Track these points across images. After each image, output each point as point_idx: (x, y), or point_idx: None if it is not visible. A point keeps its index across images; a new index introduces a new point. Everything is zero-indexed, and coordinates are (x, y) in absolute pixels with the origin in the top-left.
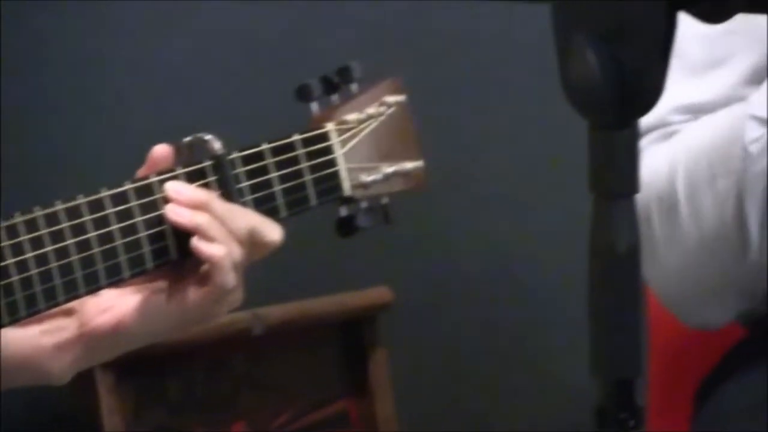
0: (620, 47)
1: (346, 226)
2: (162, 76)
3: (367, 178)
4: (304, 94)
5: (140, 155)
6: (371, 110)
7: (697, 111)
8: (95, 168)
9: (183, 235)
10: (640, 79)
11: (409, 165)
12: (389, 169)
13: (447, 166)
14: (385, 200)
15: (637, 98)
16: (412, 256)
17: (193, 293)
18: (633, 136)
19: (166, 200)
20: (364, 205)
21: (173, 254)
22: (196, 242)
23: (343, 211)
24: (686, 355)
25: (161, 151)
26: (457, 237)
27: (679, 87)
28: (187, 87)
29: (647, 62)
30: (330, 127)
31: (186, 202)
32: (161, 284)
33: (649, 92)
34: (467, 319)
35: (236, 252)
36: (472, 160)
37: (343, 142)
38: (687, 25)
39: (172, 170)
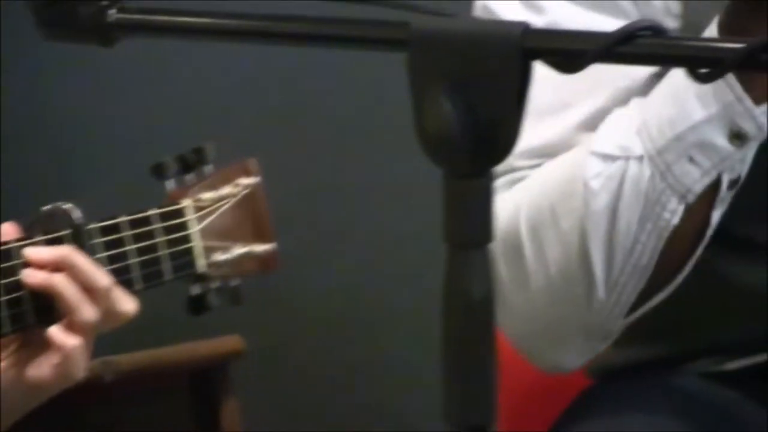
0: (475, 96)
1: (197, 305)
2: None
3: (220, 257)
4: (159, 172)
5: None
6: (226, 190)
7: (542, 155)
8: (94, 170)
9: (42, 300)
10: (494, 128)
11: (260, 248)
12: (241, 250)
13: (294, 214)
14: (236, 282)
15: (491, 147)
16: (262, 305)
17: (43, 367)
18: (488, 185)
19: (26, 265)
20: (215, 284)
21: (30, 320)
22: (52, 332)
23: (195, 289)
24: (537, 399)
25: (6, 228)
26: (306, 285)
27: (525, 131)
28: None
29: (502, 111)
30: (187, 203)
31: (45, 261)
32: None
33: (504, 141)
34: (319, 367)
35: (90, 314)
36: (319, 208)
37: (199, 219)
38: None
39: (31, 237)
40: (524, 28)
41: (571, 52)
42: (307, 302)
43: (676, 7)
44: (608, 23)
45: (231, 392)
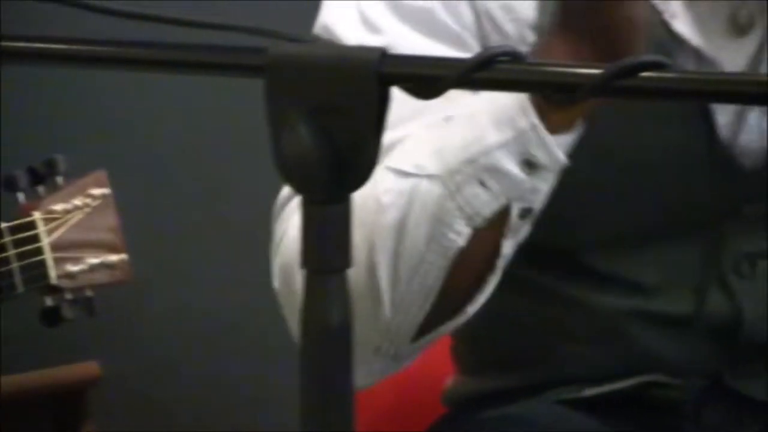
0: (333, 122)
1: (51, 317)
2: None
3: (73, 267)
4: (9, 185)
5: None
6: (77, 201)
7: None
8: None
9: None
10: (352, 154)
11: (113, 257)
12: (94, 260)
13: (148, 240)
14: (89, 293)
15: (350, 173)
16: (118, 330)
17: None
18: (346, 211)
19: None
20: (69, 296)
21: None
22: None
23: (48, 301)
24: (394, 426)
25: None
26: (161, 309)
27: None
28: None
29: (360, 137)
30: (37, 216)
31: None
32: None
33: (362, 167)
34: (178, 391)
35: None
36: (172, 237)
37: (50, 231)
38: None
39: None
40: (381, 54)
41: (430, 77)
42: (162, 323)
43: (531, 36)
44: (448, 53)
45: (89, 418)
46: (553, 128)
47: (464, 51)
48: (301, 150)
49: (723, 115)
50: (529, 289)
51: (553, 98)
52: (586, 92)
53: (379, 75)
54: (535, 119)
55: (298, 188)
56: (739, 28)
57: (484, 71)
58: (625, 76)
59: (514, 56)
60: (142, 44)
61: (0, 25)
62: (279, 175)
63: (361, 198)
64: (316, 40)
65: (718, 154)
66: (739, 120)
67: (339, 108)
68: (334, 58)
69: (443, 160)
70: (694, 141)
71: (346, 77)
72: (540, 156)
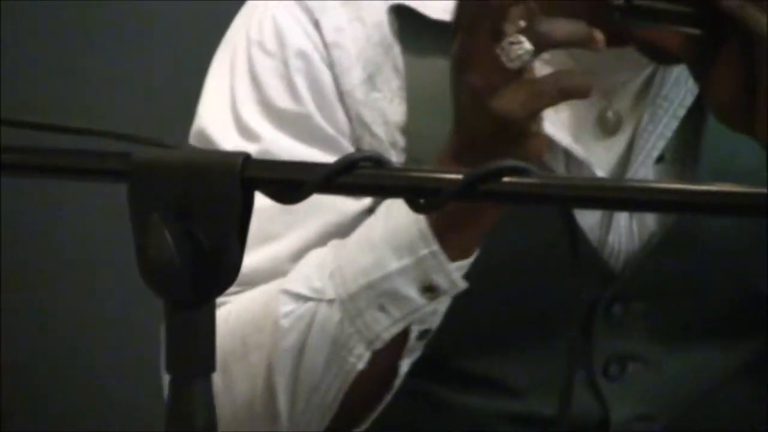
0: (197, 226)
1: None
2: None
3: None
4: None
5: None
6: None
7: (247, 283)
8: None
9: None
10: (216, 258)
11: None
12: None
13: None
14: None
15: (214, 276)
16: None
17: None
18: (210, 314)
19: None
20: None
21: None
22: None
23: None
24: None
25: None
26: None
27: None
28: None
29: (224, 241)
30: None
31: None
32: None
33: (226, 270)
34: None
35: None
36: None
37: None
38: None
39: None
40: (245, 158)
41: (292, 181)
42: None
43: (401, 140)
44: (324, 158)
45: None
46: (453, 254)
47: (340, 155)
48: (164, 254)
49: (591, 216)
50: (398, 391)
51: (416, 203)
52: (449, 197)
53: (243, 179)
54: (436, 246)
55: (162, 293)
56: (607, 129)
57: (346, 176)
58: (487, 181)
59: (376, 161)
60: (5, 149)
61: (0, 25)
62: (143, 280)
63: (258, 320)
64: (180, 144)
65: (586, 256)
66: (608, 221)
67: (203, 212)
68: (197, 162)
69: (342, 284)
70: (559, 242)
71: (210, 182)
72: (440, 281)
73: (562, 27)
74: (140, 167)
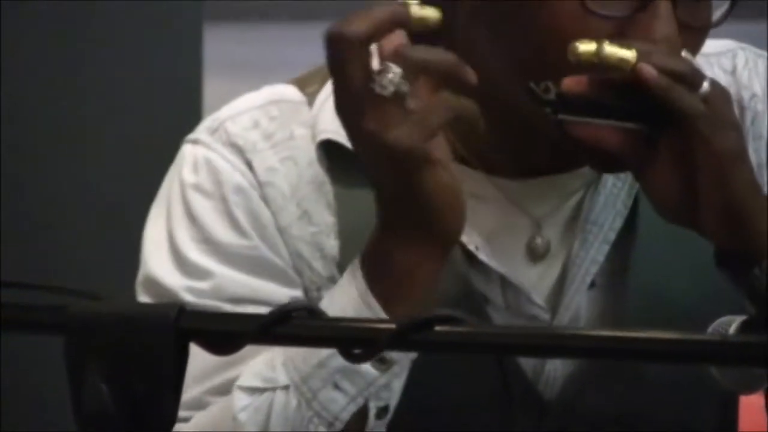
0: (132, 376)
1: None
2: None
3: None
4: None
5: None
6: None
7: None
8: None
9: None
10: (151, 408)
11: None
12: None
13: None
14: None
15: (148, 427)
16: None
17: None
18: None
19: None
20: None
21: None
22: None
23: None
24: None
25: None
26: None
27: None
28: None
29: (158, 391)
30: None
31: None
32: None
33: (161, 420)
34: None
35: None
36: None
37: None
38: None
39: None
40: (179, 309)
41: (228, 333)
42: None
43: (338, 275)
44: (279, 292)
45: None
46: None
47: (292, 287)
48: (99, 405)
49: None
50: None
51: (351, 354)
52: (383, 347)
53: (177, 330)
54: (381, 314)
55: None
56: (537, 256)
57: (281, 326)
58: (419, 331)
59: (310, 311)
60: None
61: (0, 25)
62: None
63: (218, 421)
64: (115, 297)
65: (520, 390)
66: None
67: (138, 363)
68: (132, 314)
69: (294, 368)
70: (493, 378)
71: (145, 333)
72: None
73: (431, 52)
74: (75, 320)
